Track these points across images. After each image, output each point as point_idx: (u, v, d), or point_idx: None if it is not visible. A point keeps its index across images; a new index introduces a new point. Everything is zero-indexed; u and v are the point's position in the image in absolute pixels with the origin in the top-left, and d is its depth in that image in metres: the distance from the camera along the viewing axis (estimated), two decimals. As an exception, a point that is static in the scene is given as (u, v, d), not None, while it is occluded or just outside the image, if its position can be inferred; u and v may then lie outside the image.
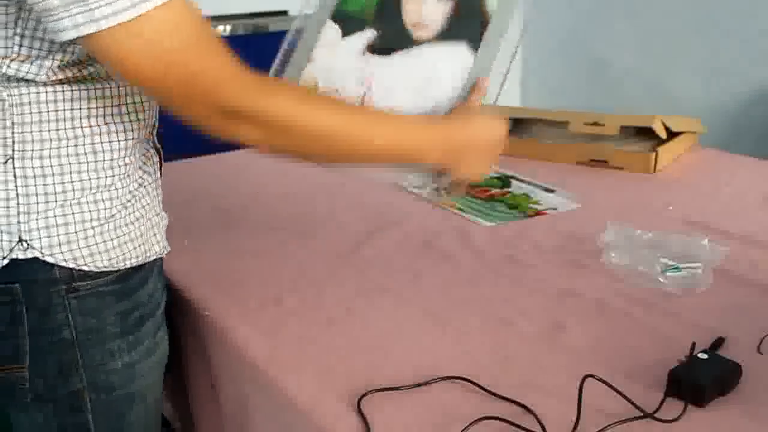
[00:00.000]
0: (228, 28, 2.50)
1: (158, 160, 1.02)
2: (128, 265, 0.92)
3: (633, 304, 1.05)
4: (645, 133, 1.73)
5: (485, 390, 0.86)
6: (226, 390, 1.06)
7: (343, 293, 1.11)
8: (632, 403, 0.81)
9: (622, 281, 1.12)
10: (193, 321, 1.12)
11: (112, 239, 0.90)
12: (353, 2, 1.06)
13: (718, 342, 0.94)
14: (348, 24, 1.06)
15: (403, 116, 0.96)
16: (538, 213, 1.43)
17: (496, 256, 1.23)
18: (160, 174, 1.02)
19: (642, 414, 0.80)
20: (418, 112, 1.00)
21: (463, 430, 0.79)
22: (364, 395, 0.85)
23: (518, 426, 0.79)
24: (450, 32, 1.03)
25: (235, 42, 2.72)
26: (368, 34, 1.05)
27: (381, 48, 1.03)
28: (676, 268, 1.12)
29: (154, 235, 0.97)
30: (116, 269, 0.91)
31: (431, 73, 1.03)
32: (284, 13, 2.71)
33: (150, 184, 0.97)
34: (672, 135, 1.73)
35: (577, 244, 1.24)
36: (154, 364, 0.99)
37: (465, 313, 1.04)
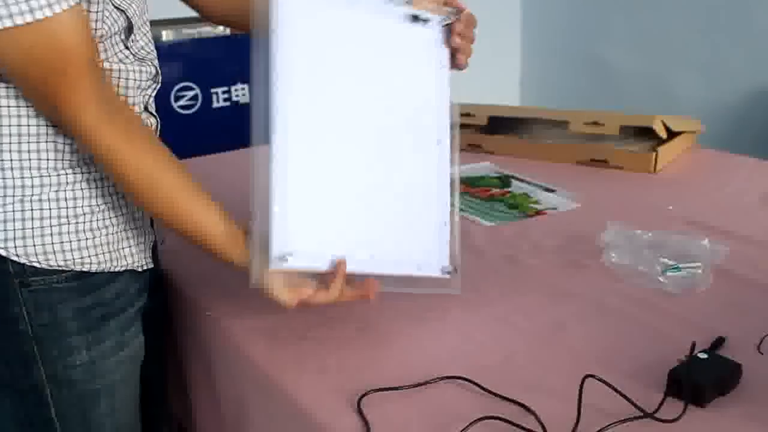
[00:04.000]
0: (228, 28, 2.50)
1: None
2: (86, 269, 0.93)
3: (633, 304, 1.05)
4: (645, 133, 1.73)
5: (485, 390, 0.86)
6: (225, 390, 1.06)
7: (343, 293, 1.11)
8: (632, 403, 0.81)
9: (622, 281, 1.12)
10: (193, 321, 1.12)
11: (71, 241, 0.91)
12: None
13: (718, 342, 0.94)
14: None
15: (216, 209, 0.97)
16: (538, 213, 1.43)
17: (496, 256, 1.23)
18: None
19: (642, 414, 0.80)
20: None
21: (463, 429, 0.79)
22: (364, 395, 0.85)
23: (519, 426, 0.79)
24: None
25: (235, 42, 2.74)
26: None
27: None
28: (676, 268, 1.12)
29: (128, 247, 0.98)
30: (70, 270, 0.92)
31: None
32: (284, 13, 2.71)
33: (117, 198, 0.97)
34: (672, 135, 1.73)
35: (577, 244, 1.24)
36: (120, 362, 0.99)
37: (465, 313, 1.04)
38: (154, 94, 1.05)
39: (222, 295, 1.11)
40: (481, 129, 1.87)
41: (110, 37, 0.91)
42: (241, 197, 1.54)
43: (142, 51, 0.97)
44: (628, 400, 0.81)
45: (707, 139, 1.89)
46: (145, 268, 1.02)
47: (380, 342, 0.98)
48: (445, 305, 1.05)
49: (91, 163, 0.93)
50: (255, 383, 0.97)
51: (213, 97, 2.53)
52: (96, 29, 0.87)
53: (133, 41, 0.95)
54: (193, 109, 2.50)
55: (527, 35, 3.55)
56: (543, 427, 0.79)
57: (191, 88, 2.49)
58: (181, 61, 2.46)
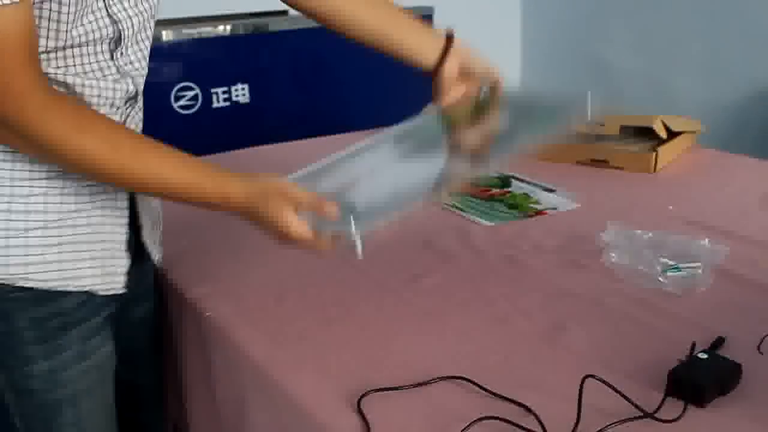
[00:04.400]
0: (228, 28, 2.50)
1: (127, 205, 0.99)
2: (33, 286, 0.91)
3: (633, 304, 1.05)
4: (645, 133, 1.73)
5: (485, 390, 0.86)
6: (224, 390, 1.06)
7: (343, 293, 1.11)
8: (632, 403, 0.81)
9: (622, 281, 1.12)
10: (193, 321, 1.12)
11: (17, 255, 0.89)
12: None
13: (718, 342, 0.94)
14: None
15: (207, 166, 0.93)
16: (538, 213, 1.43)
17: (496, 255, 1.23)
18: (136, 222, 1.01)
19: (642, 414, 0.80)
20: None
21: (463, 429, 0.79)
22: (364, 395, 0.85)
23: (518, 426, 0.79)
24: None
25: (235, 42, 2.75)
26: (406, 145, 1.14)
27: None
28: (676, 268, 1.12)
29: (88, 268, 0.95)
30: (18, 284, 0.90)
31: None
32: (284, 13, 2.71)
33: (100, 216, 0.95)
34: (672, 135, 1.73)
35: (577, 244, 1.24)
36: (84, 372, 0.97)
37: (465, 313, 1.04)
38: (135, 116, 1.00)
39: (222, 295, 1.11)
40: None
41: (92, 43, 0.89)
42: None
43: (129, 66, 0.95)
44: (628, 400, 0.81)
45: (707, 139, 1.89)
46: (107, 293, 0.98)
47: (380, 342, 0.98)
48: (445, 305, 1.05)
49: (50, 176, 0.90)
50: (255, 383, 0.97)
51: (213, 97, 2.53)
52: (68, 30, 0.85)
53: (121, 54, 0.93)
54: (193, 109, 2.50)
55: (527, 35, 3.55)
56: (543, 427, 0.79)
57: (191, 88, 2.48)
58: (181, 61, 2.46)
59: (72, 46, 0.87)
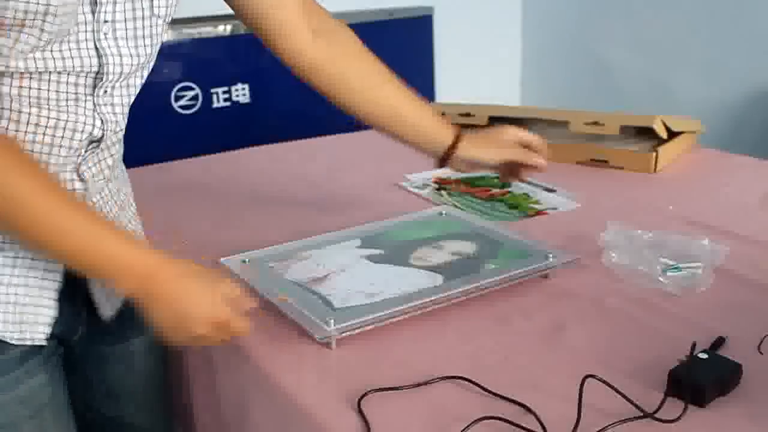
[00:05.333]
0: (228, 28, 2.50)
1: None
2: None
3: (633, 304, 1.05)
4: (645, 133, 1.73)
5: (485, 390, 0.86)
6: (226, 390, 1.06)
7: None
8: (632, 402, 0.81)
9: (622, 281, 1.12)
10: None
11: None
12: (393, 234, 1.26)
13: (719, 342, 0.94)
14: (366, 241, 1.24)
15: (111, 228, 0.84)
16: (538, 213, 1.43)
17: (496, 256, 1.23)
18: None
19: (642, 414, 0.80)
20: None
21: (463, 429, 0.79)
22: (364, 395, 0.85)
23: (519, 426, 0.79)
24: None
25: (235, 42, 2.75)
26: (375, 251, 1.20)
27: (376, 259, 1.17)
28: (676, 268, 1.12)
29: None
30: None
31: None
32: (284, 13, 2.71)
33: (30, 260, 0.87)
34: (672, 135, 1.73)
35: (577, 244, 1.24)
36: (6, 403, 0.90)
37: (465, 313, 1.04)
38: (95, 163, 0.90)
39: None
40: (481, 129, 1.86)
41: (72, 72, 0.83)
42: (240, 197, 1.54)
43: (107, 107, 0.88)
44: (629, 400, 0.81)
45: (707, 139, 1.89)
46: (17, 342, 0.88)
47: (380, 342, 0.98)
48: (445, 305, 1.05)
49: None
50: (255, 383, 0.97)
51: (213, 97, 2.53)
52: (43, 49, 0.78)
53: (105, 92, 0.86)
54: (193, 109, 2.50)
55: (527, 35, 3.55)
56: (543, 427, 0.79)
57: (191, 88, 2.48)
58: (181, 61, 2.46)
59: (48, 71, 0.81)
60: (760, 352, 0.92)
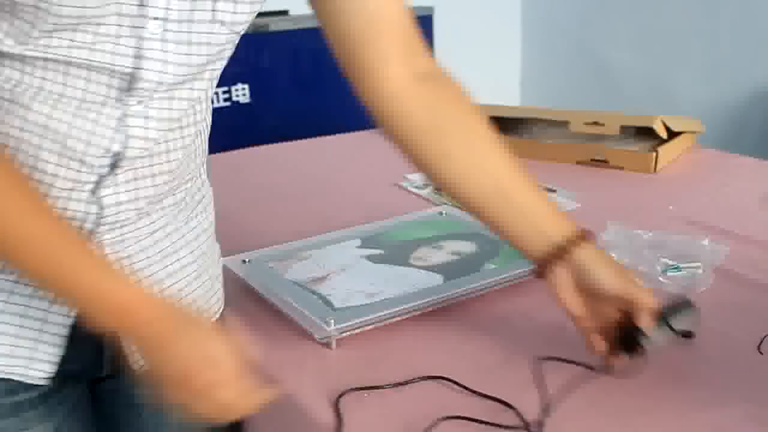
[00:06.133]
0: (228, 28, 2.50)
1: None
2: None
3: (633, 304, 1.05)
4: (645, 133, 1.73)
5: (465, 388, 0.86)
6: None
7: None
8: (584, 365, 0.84)
9: (622, 281, 1.12)
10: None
11: None
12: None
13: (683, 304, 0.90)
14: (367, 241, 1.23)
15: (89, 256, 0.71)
16: (538, 213, 1.43)
17: (496, 256, 1.23)
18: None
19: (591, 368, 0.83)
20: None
21: (427, 429, 0.79)
22: (341, 395, 0.85)
23: (493, 424, 0.79)
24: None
25: (235, 42, 2.63)
26: (375, 251, 1.19)
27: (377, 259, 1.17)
28: (677, 268, 1.12)
29: None
30: None
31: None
32: (284, 12, 2.71)
33: (33, 288, 0.75)
34: (672, 135, 1.73)
35: (577, 244, 1.24)
36: None
37: (465, 314, 1.04)
38: (113, 191, 0.75)
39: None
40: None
41: (95, 69, 0.69)
42: (240, 197, 1.54)
43: (139, 120, 0.73)
44: (583, 365, 0.83)
45: (707, 139, 1.89)
46: (20, 380, 0.78)
47: (380, 342, 0.98)
48: (445, 306, 1.05)
49: None
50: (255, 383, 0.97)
51: (213, 97, 2.53)
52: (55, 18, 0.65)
53: (139, 101, 0.72)
54: (193, 109, 2.50)
55: (527, 35, 3.55)
56: (522, 419, 0.79)
57: (191, 88, 2.48)
58: (181, 61, 2.46)
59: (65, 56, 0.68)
60: (760, 352, 0.92)
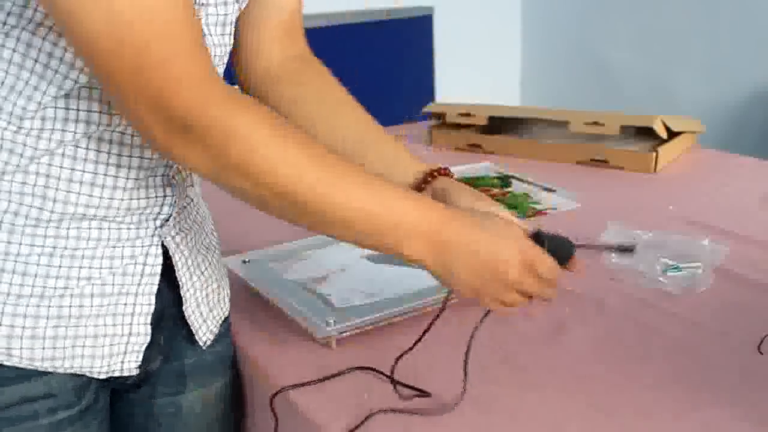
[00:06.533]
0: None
1: (159, 270, 0.81)
2: (15, 364, 0.74)
3: (633, 304, 1.05)
4: (645, 133, 1.73)
5: (390, 378, 0.88)
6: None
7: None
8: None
9: (622, 281, 1.12)
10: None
11: (2, 325, 0.74)
12: None
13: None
14: None
15: (390, 184, 0.75)
16: (538, 213, 1.43)
17: (496, 256, 1.23)
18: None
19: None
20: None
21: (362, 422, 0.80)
22: (276, 393, 0.87)
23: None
24: None
25: (235, 42, 2.63)
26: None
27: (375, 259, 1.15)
28: (676, 268, 1.12)
29: (90, 346, 0.78)
30: None
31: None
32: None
33: (119, 285, 0.78)
34: (672, 135, 1.73)
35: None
36: None
37: (465, 313, 1.04)
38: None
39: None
40: (481, 129, 1.87)
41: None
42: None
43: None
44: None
45: (707, 139, 1.89)
46: (108, 375, 0.81)
47: (380, 342, 0.98)
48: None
49: (60, 233, 0.74)
50: (255, 383, 0.97)
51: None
52: None
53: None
54: (193, 109, 2.50)
55: (527, 35, 3.55)
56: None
57: (191, 88, 2.48)
58: (181, 61, 2.46)
59: None
60: (760, 352, 0.92)
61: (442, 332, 1.00)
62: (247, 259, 1.16)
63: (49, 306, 0.74)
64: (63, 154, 0.72)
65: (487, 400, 0.85)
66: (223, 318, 0.95)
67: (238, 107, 0.66)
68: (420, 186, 0.89)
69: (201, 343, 0.90)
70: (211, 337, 0.92)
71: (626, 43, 3.16)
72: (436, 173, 0.89)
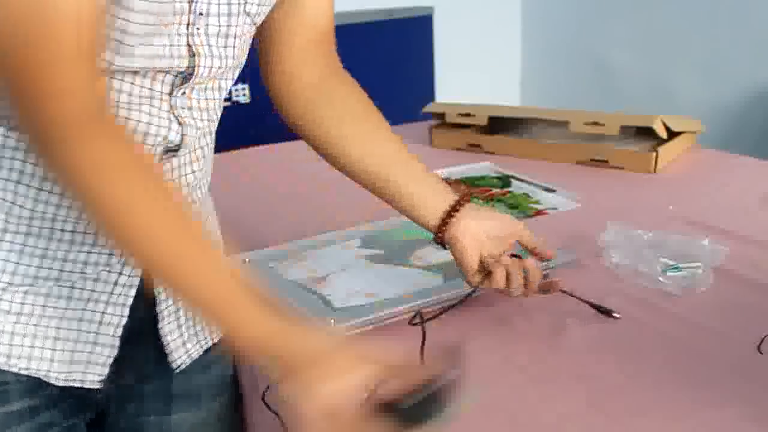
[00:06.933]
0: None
1: (135, 281, 0.79)
2: None
3: (633, 304, 1.05)
4: (645, 133, 1.73)
5: None
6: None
7: (343, 293, 1.11)
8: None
9: (622, 281, 1.12)
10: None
11: None
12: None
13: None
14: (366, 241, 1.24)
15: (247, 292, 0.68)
16: (538, 213, 1.43)
17: (496, 256, 1.23)
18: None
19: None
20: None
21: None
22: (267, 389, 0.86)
23: None
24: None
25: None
26: (375, 251, 1.19)
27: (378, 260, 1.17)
28: (676, 268, 1.12)
29: (49, 349, 0.77)
30: None
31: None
32: (284, 13, 2.71)
33: (89, 291, 0.77)
34: (672, 135, 1.73)
35: (577, 244, 1.24)
36: None
37: (464, 314, 1.04)
38: (173, 173, 0.81)
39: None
40: (481, 129, 1.87)
41: (156, 70, 0.74)
42: (240, 197, 1.54)
43: (185, 111, 0.77)
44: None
45: (707, 139, 1.89)
46: (66, 384, 0.78)
47: (380, 342, 0.98)
48: (444, 306, 1.05)
49: (32, 231, 0.73)
50: (255, 383, 0.97)
51: (213, 97, 2.53)
52: (133, 45, 0.69)
53: (183, 93, 0.77)
54: (193, 109, 2.50)
55: (527, 35, 3.55)
56: None
57: (191, 88, 2.48)
58: (181, 61, 2.46)
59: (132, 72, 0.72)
60: (760, 352, 0.92)
61: (442, 332, 1.00)
62: (246, 259, 1.16)
63: (11, 302, 0.73)
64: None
65: (487, 400, 0.85)
66: (211, 344, 0.90)
67: (98, 133, 0.63)
68: (448, 220, 0.95)
69: (174, 366, 0.85)
70: (188, 361, 0.87)
71: (626, 43, 3.16)
72: (462, 202, 0.95)
